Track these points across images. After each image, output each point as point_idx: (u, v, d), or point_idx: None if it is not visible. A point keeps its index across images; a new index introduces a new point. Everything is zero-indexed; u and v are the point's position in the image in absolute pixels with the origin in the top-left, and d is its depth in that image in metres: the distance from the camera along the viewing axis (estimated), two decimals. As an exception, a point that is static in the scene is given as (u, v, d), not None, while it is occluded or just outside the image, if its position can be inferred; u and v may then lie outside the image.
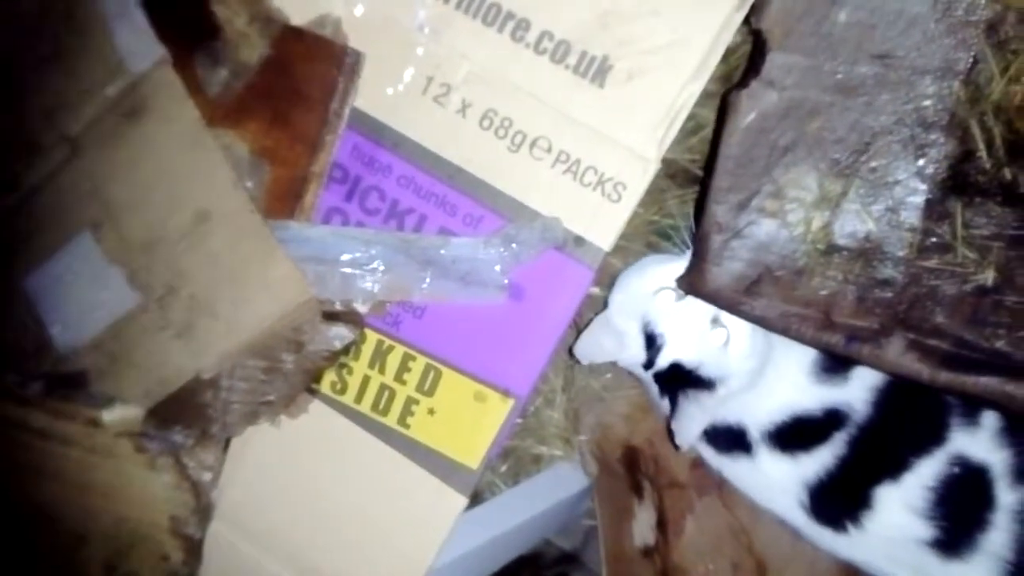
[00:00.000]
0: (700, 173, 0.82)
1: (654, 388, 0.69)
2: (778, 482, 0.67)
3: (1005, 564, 0.61)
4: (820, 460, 0.65)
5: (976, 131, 0.59)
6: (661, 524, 0.86)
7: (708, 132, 0.81)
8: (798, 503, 0.67)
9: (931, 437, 0.63)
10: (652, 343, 0.65)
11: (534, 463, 0.89)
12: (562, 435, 0.89)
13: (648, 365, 0.66)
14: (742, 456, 0.68)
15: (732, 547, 0.85)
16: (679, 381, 0.65)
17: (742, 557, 0.84)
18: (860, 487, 0.64)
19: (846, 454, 0.64)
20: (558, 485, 0.87)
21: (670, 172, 0.80)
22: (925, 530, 0.62)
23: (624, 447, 0.87)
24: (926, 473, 0.62)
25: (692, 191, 0.83)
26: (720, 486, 0.85)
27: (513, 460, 0.89)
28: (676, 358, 0.64)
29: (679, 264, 0.65)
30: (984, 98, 0.59)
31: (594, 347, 0.68)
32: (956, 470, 0.62)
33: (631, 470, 0.87)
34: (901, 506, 0.63)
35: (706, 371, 0.64)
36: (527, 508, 0.82)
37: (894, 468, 0.63)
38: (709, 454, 0.73)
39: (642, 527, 0.87)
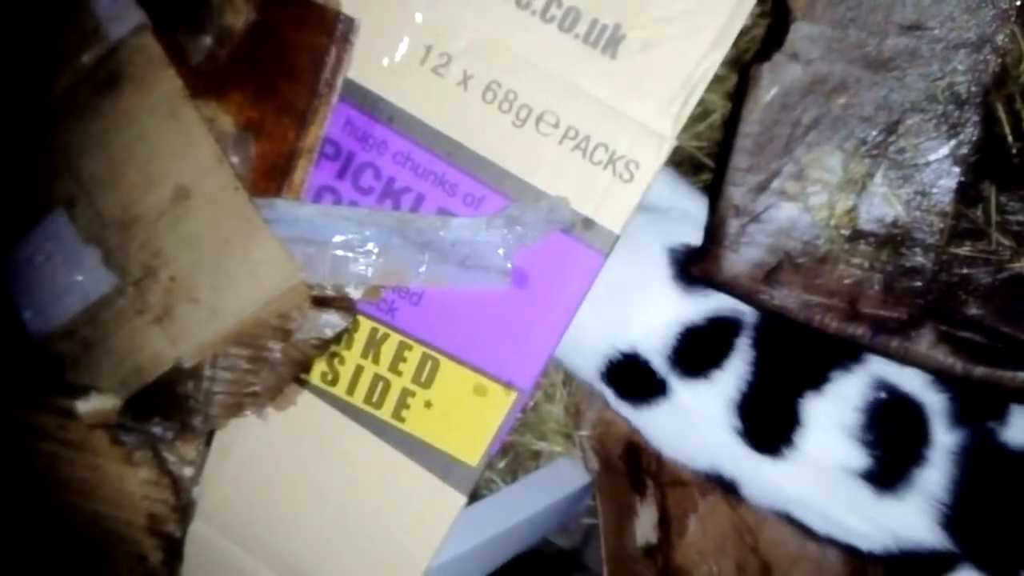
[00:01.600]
0: (707, 161, 0.80)
1: None
2: (705, 414, 0.65)
3: (940, 506, 0.60)
4: (735, 372, 0.64)
5: (1002, 114, 0.56)
6: (663, 523, 0.84)
7: (716, 118, 0.79)
8: (733, 431, 0.65)
9: (845, 352, 0.62)
10: None
11: (533, 459, 0.88)
12: (562, 431, 0.87)
13: None
14: (660, 401, 0.67)
15: (736, 547, 0.83)
16: None
17: (747, 557, 0.83)
18: (785, 400, 0.63)
19: (758, 359, 0.63)
20: (558, 482, 0.85)
21: (675, 159, 0.78)
22: (858, 458, 0.61)
23: (626, 443, 0.85)
24: (850, 392, 0.61)
25: (698, 180, 0.80)
26: (725, 485, 0.83)
27: (512, 456, 0.87)
28: None
29: None
30: (1011, 79, 0.56)
31: None
32: (884, 395, 0.61)
33: (633, 467, 0.85)
34: (830, 423, 0.62)
35: None
36: (526, 506, 0.80)
37: (813, 378, 0.62)
38: (629, 413, 0.71)
39: (644, 526, 0.86)
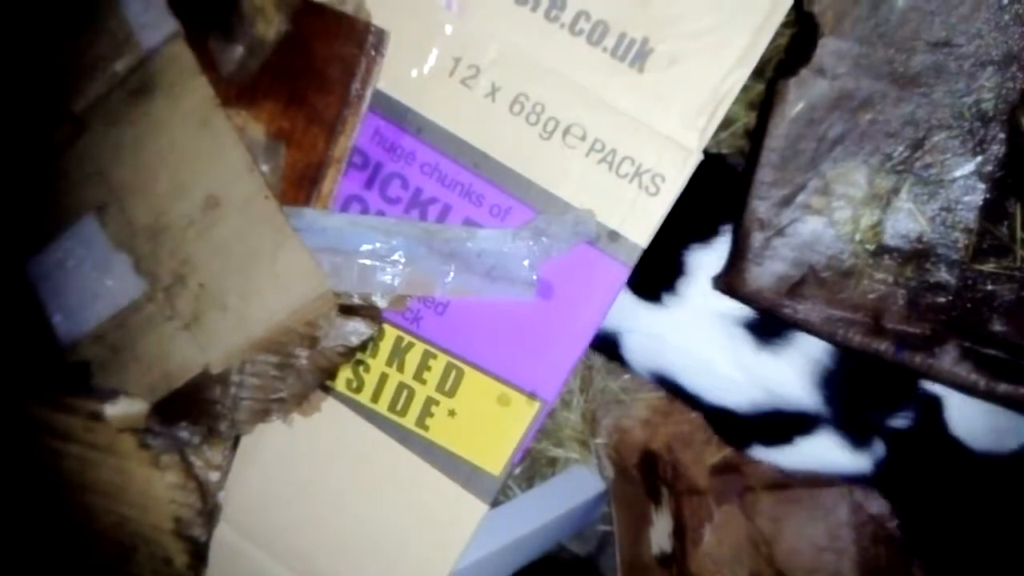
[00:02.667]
0: (730, 169, 0.80)
1: None
2: None
3: (820, 365, 0.62)
4: None
5: (1025, 130, 0.56)
6: (678, 532, 0.84)
7: (739, 127, 0.80)
8: None
9: (737, 210, 0.61)
10: None
11: (549, 466, 0.88)
12: (579, 438, 0.87)
13: None
14: None
15: (752, 557, 0.83)
16: None
17: (762, 568, 0.83)
18: (671, 250, 0.64)
19: None
20: (574, 489, 0.85)
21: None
22: (742, 307, 0.62)
23: (642, 451, 0.86)
24: None
25: (721, 187, 0.80)
26: (741, 494, 0.83)
27: (528, 463, 0.87)
28: None
29: None
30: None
31: None
32: None
33: (649, 475, 0.85)
34: (715, 271, 0.62)
35: None
36: (542, 513, 0.80)
37: (702, 231, 0.64)
38: None
39: (659, 534, 0.86)
